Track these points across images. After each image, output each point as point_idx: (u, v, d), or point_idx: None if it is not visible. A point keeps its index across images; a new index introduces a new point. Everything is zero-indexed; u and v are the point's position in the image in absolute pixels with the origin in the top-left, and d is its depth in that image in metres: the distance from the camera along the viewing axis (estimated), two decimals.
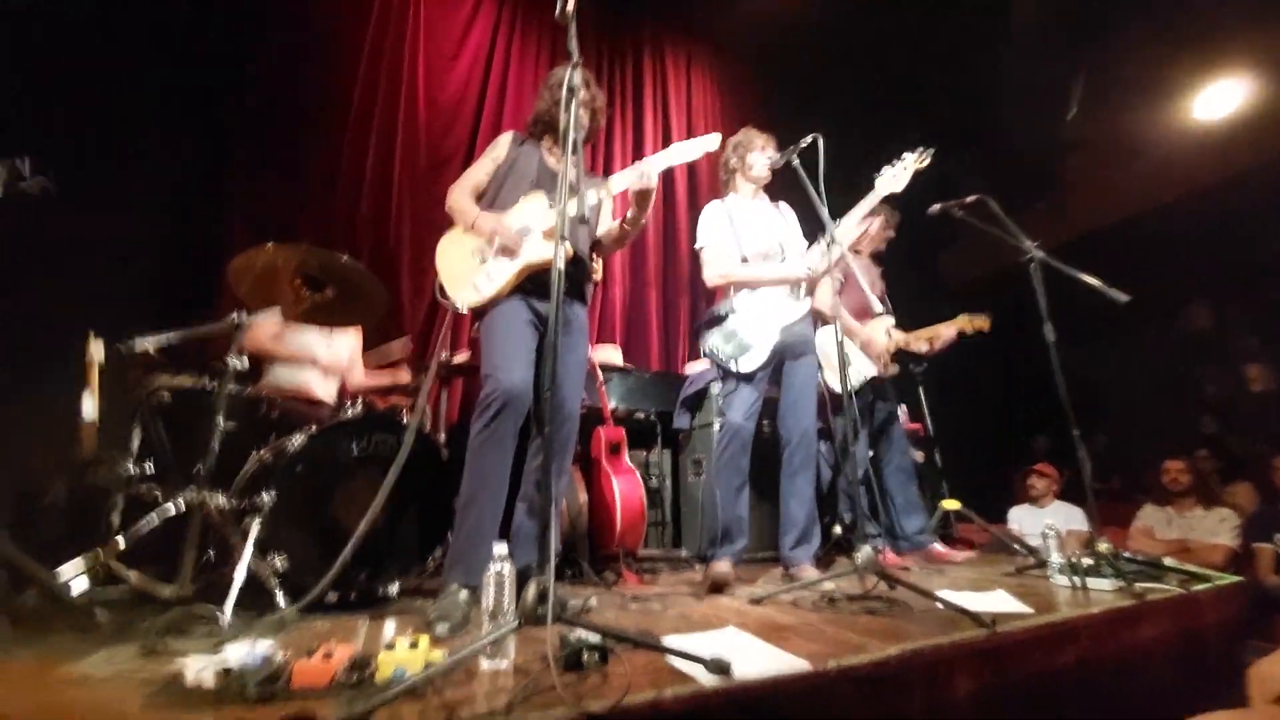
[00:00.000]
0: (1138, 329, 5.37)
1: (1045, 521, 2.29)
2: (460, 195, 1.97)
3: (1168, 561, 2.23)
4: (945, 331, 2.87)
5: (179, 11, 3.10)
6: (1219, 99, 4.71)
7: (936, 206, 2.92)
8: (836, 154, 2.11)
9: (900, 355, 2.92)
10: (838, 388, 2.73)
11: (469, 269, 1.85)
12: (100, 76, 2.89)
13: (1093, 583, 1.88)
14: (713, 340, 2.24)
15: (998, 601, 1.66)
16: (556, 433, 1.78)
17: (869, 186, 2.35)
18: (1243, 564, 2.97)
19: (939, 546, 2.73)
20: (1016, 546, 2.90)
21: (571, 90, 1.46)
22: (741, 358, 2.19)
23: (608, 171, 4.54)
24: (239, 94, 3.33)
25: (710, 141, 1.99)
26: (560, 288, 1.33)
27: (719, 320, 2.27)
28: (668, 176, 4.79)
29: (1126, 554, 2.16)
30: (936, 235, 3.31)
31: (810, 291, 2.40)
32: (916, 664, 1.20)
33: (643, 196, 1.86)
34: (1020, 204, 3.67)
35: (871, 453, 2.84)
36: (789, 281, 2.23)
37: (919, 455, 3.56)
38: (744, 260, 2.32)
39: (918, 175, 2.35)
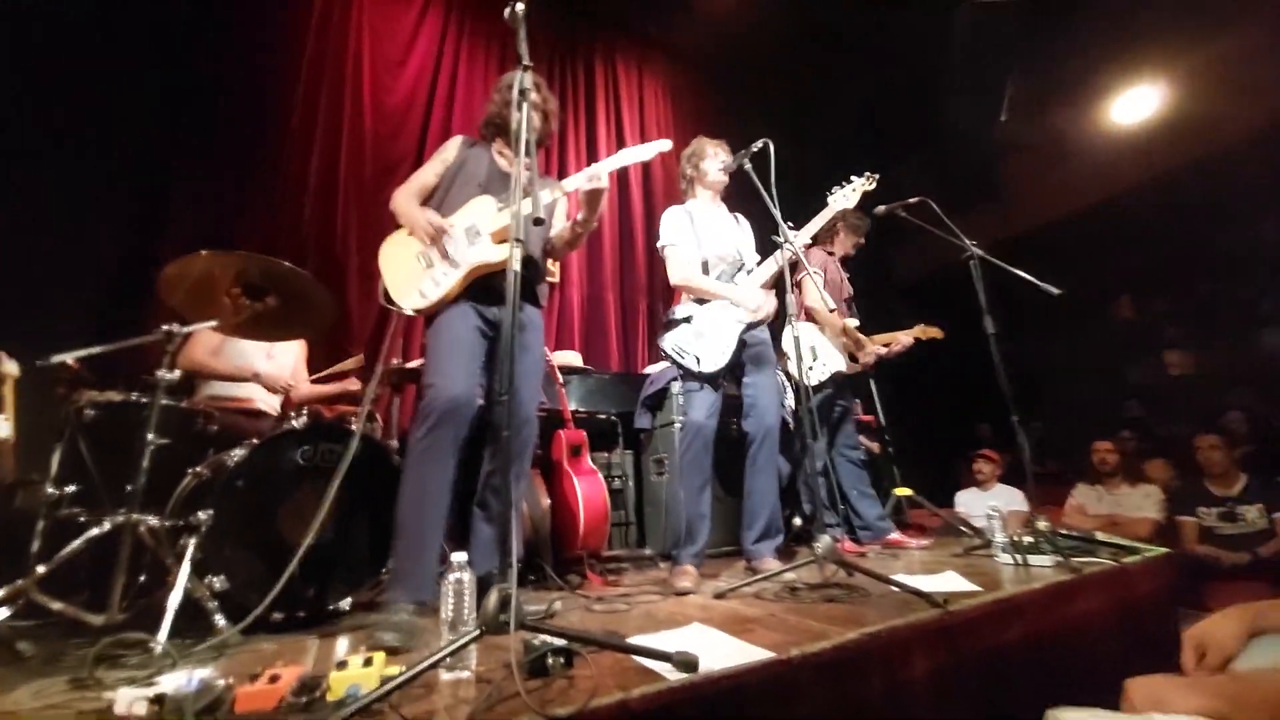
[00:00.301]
0: (1069, 321, 5.70)
1: (989, 504, 2.40)
2: (404, 198, 1.92)
3: (1100, 536, 2.38)
4: (902, 338, 2.99)
5: (116, 15, 2.94)
6: (1137, 104, 5.05)
7: (882, 208, 3.05)
8: (787, 159, 2.17)
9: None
10: (803, 380, 2.87)
11: (414, 272, 1.81)
12: (30, 79, 2.71)
13: (1034, 560, 1.98)
14: (675, 341, 2.26)
15: (949, 582, 1.72)
16: (514, 437, 1.75)
17: (822, 200, 2.49)
18: (1167, 535, 3.19)
19: (895, 534, 2.83)
20: (964, 529, 3.04)
21: (523, 92, 1.45)
22: (704, 358, 2.21)
23: (562, 176, 4.52)
24: (177, 98, 3.17)
25: (661, 144, 2.01)
26: (516, 289, 1.31)
27: (681, 321, 2.28)
28: (623, 182, 4.81)
29: (1063, 531, 2.28)
30: (887, 235, 3.43)
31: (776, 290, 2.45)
32: (875, 646, 1.23)
33: (594, 197, 1.85)
34: (963, 205, 3.86)
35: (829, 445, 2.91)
36: (738, 305, 2.26)
37: (874, 446, 3.69)
38: (704, 263, 2.34)
39: (866, 194, 2.53)
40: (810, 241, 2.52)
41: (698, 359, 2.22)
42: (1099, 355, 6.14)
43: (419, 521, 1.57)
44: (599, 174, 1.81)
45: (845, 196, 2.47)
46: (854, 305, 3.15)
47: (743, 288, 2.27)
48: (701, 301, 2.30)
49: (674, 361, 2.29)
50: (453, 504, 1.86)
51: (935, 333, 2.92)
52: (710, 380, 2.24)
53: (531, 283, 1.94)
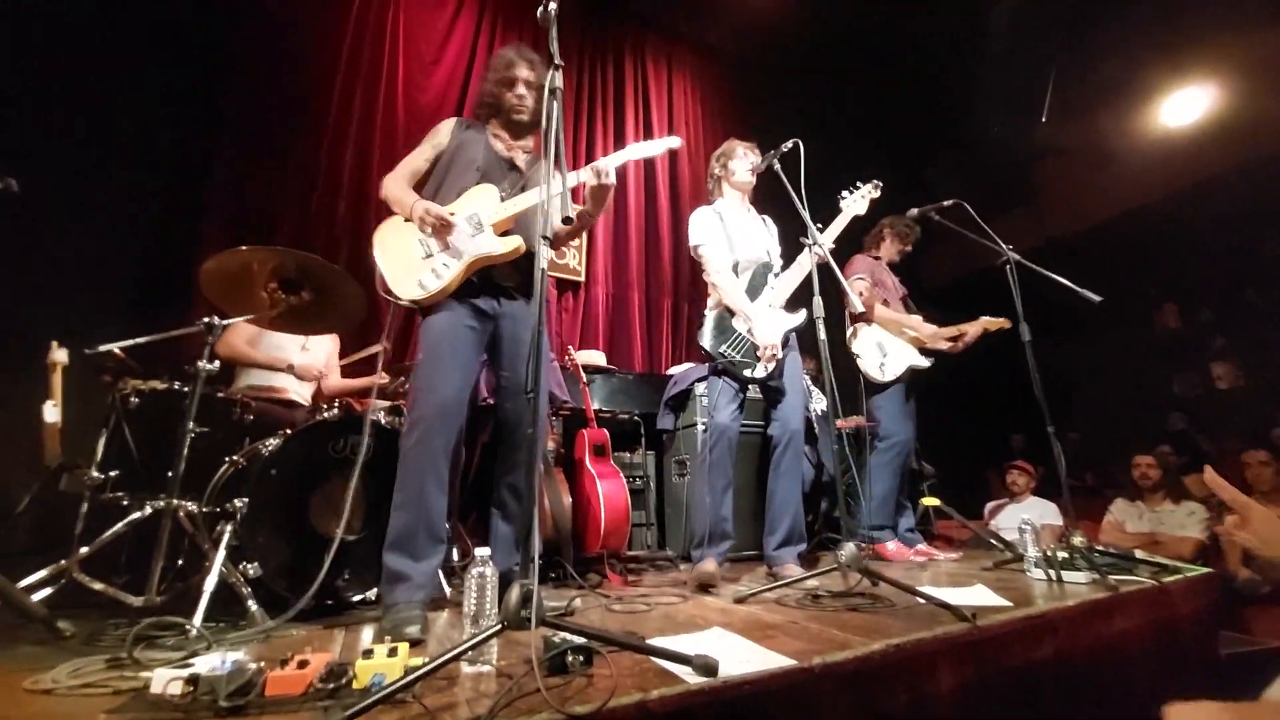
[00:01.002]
0: (1109, 330, 5.51)
1: (1021, 516, 2.33)
2: (396, 184, 1.83)
3: (1139, 554, 2.29)
4: (971, 330, 2.91)
5: (159, 12, 3.05)
6: (1185, 106, 4.85)
7: (914, 211, 2.99)
8: (817, 160, 2.15)
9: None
10: (877, 377, 2.88)
11: (413, 261, 1.72)
12: (75, 75, 2.84)
13: (1068, 576, 1.91)
14: (721, 346, 2.24)
15: (978, 596, 1.68)
16: (525, 436, 1.70)
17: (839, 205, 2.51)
18: (1210, 556, 3.05)
19: (922, 545, 2.78)
20: (994, 542, 2.95)
21: (553, 91, 1.45)
22: (754, 364, 2.21)
23: None
24: (217, 96, 3.28)
25: (670, 141, 1.94)
26: (543, 288, 1.31)
27: (729, 329, 2.26)
28: (650, 182, 4.81)
29: (1099, 547, 2.20)
30: (919, 238, 3.36)
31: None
32: (900, 659, 1.21)
33: (600, 193, 1.79)
34: (997, 209, 3.76)
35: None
36: (749, 322, 2.23)
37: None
38: (735, 264, 2.33)
39: (877, 200, 2.55)
40: (855, 247, 2.50)
41: (748, 364, 2.21)
42: (1141, 365, 5.92)
43: (416, 527, 1.52)
44: (607, 170, 1.75)
45: (855, 202, 2.48)
46: (910, 303, 3.11)
47: (763, 322, 2.23)
48: (751, 308, 2.28)
49: (722, 364, 2.23)
50: (473, 498, 1.87)
51: (1002, 323, 2.81)
52: (741, 383, 2.23)
53: (529, 271, 1.88)
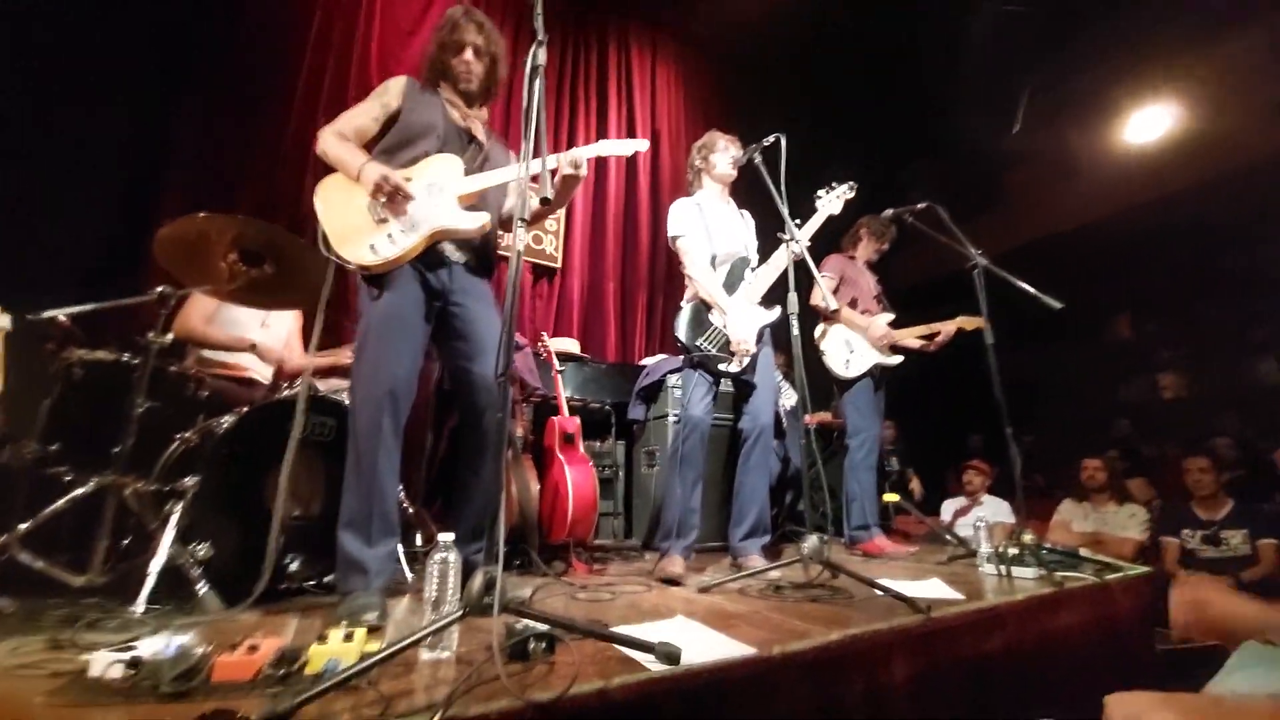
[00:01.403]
0: (1064, 337, 5.73)
1: (976, 514, 2.41)
2: (338, 142, 1.65)
3: (1083, 552, 2.39)
4: (946, 328, 2.94)
5: None
6: (1148, 123, 5.04)
7: (889, 212, 3.04)
8: (795, 155, 2.16)
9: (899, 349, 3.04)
10: (841, 372, 2.93)
11: (363, 224, 1.57)
12: (30, 29, 2.66)
13: (1017, 571, 1.99)
14: (697, 339, 2.23)
15: (932, 589, 1.73)
16: (484, 415, 1.66)
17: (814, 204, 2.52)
18: (1150, 556, 3.21)
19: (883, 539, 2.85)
20: (949, 537, 3.05)
21: (535, 68, 1.41)
22: (729, 358, 2.21)
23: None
24: (179, 56, 3.11)
25: (639, 144, 1.89)
26: (518, 272, 1.29)
27: (706, 322, 2.26)
28: (631, 173, 4.77)
29: (1047, 545, 2.30)
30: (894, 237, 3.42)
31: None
32: (858, 649, 1.24)
33: (572, 182, 1.72)
34: (968, 214, 3.84)
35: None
36: (725, 316, 2.24)
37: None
38: (713, 257, 2.33)
39: (852, 201, 2.57)
40: (830, 246, 2.52)
41: (726, 359, 2.21)
42: (1092, 372, 6.18)
43: (369, 512, 1.47)
44: (581, 161, 1.68)
45: (831, 202, 2.50)
46: (885, 302, 3.14)
47: (738, 321, 2.22)
48: (729, 302, 2.28)
49: (699, 357, 2.22)
50: (439, 483, 1.82)
51: (979, 322, 2.79)
52: (715, 377, 2.23)
53: (485, 254, 1.79)
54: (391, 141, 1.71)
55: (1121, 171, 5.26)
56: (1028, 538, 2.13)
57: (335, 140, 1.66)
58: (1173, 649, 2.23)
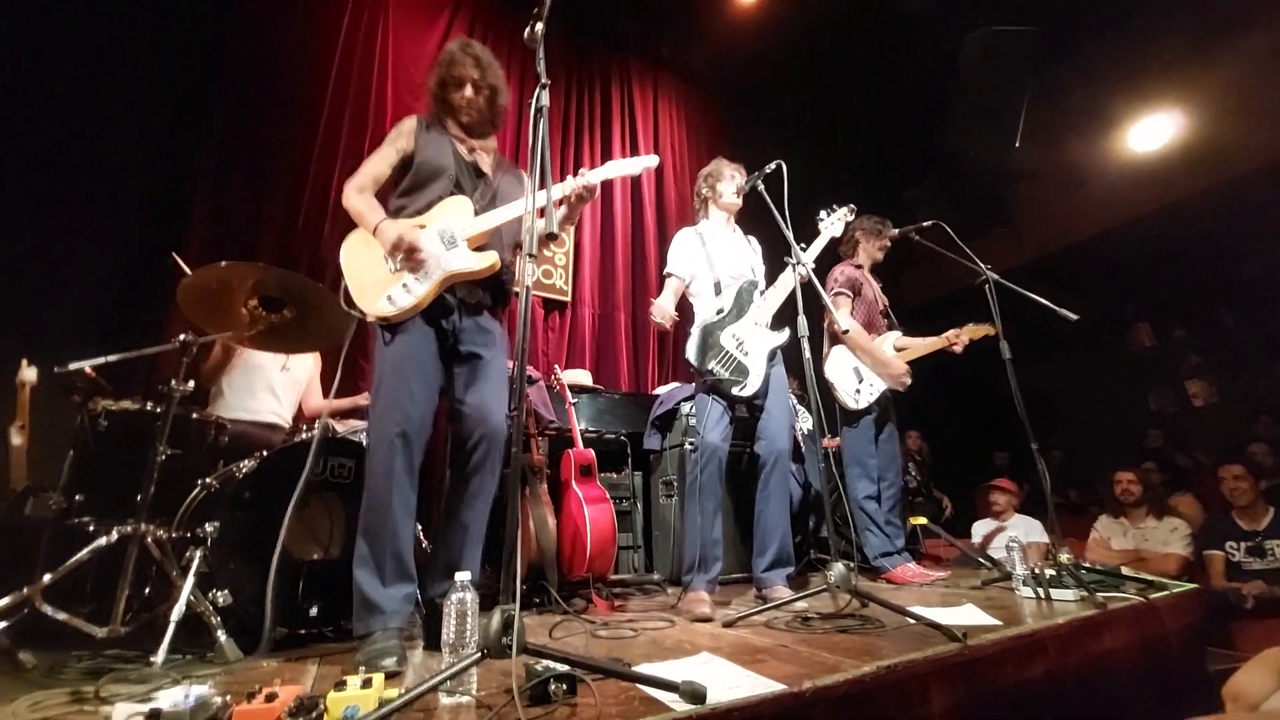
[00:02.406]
0: (1085, 349, 5.62)
1: (1009, 535, 2.33)
2: (359, 196, 1.72)
3: (1125, 571, 2.30)
4: (959, 337, 2.84)
5: (146, 24, 3.03)
6: (1152, 131, 5.04)
7: (895, 231, 3.04)
8: (799, 182, 2.19)
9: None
10: (852, 405, 2.83)
11: (381, 276, 1.63)
12: (56, 85, 2.81)
13: (1056, 594, 1.91)
14: (708, 362, 2.21)
15: (967, 615, 1.66)
16: (474, 454, 1.64)
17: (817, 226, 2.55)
18: (1195, 572, 3.07)
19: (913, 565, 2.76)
20: (982, 560, 2.95)
21: (540, 110, 1.45)
22: (743, 382, 2.19)
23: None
24: (202, 113, 3.26)
25: (649, 160, 1.90)
26: (527, 306, 1.31)
27: (716, 344, 2.24)
28: (637, 202, 4.86)
29: (1086, 564, 2.21)
30: (896, 257, 3.40)
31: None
32: (892, 681, 1.18)
33: (580, 205, 1.75)
34: (975, 231, 3.85)
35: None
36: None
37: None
38: (716, 283, 2.34)
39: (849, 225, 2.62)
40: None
41: (738, 382, 2.19)
42: (1117, 383, 6.04)
43: (384, 551, 1.46)
44: (592, 184, 1.71)
45: (833, 224, 2.51)
46: (891, 316, 3.05)
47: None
48: (739, 327, 2.28)
49: (711, 382, 2.19)
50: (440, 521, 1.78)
51: (987, 330, 2.71)
52: (729, 401, 2.21)
53: (499, 290, 1.80)
54: (407, 185, 1.76)
55: (1129, 181, 5.24)
56: (1065, 557, 2.05)
57: (356, 195, 1.72)
58: (1225, 669, 2.11)
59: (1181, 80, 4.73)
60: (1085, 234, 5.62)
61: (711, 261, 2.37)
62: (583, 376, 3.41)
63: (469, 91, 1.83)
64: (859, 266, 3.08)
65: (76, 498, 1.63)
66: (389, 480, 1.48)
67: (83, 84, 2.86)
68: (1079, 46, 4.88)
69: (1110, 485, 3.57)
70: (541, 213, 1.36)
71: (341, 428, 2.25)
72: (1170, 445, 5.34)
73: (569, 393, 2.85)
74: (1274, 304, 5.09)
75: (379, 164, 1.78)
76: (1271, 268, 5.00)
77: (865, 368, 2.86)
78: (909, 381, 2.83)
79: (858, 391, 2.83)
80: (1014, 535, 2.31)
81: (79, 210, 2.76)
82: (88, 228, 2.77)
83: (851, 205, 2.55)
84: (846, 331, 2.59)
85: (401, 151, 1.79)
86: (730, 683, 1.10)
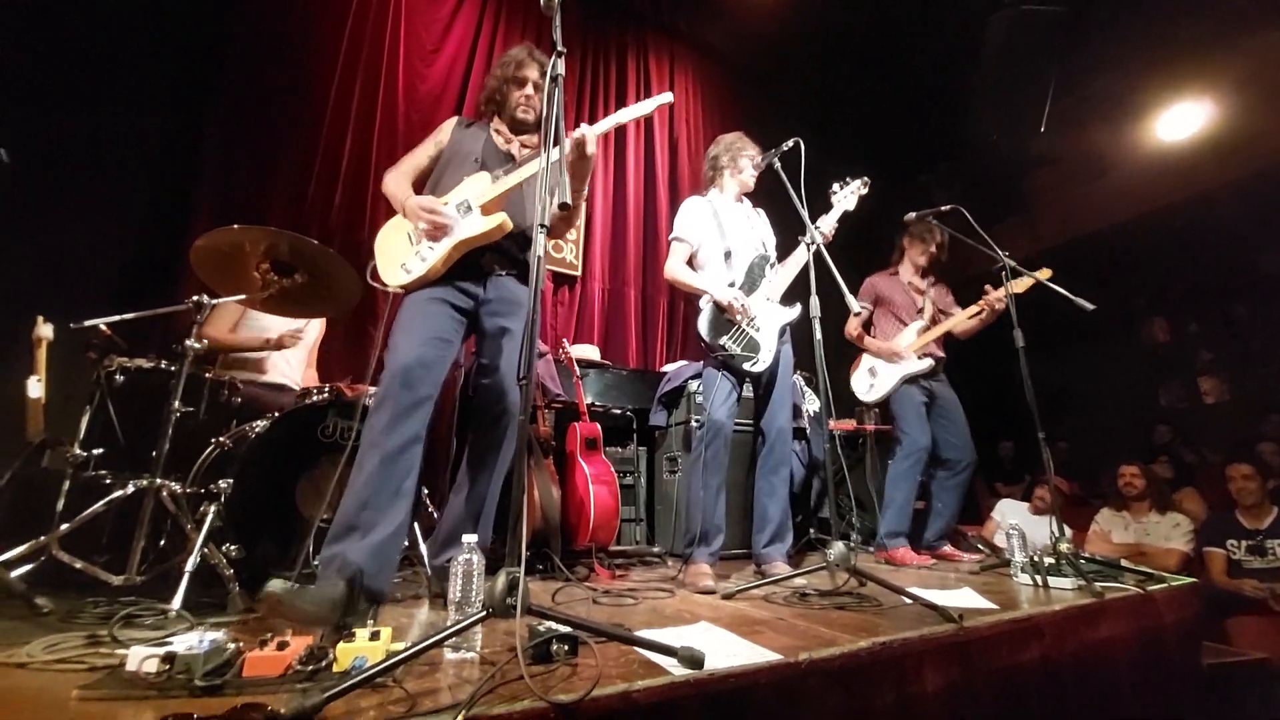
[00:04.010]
0: (1098, 340, 5.56)
1: (1009, 522, 2.33)
2: (395, 180, 1.87)
3: (1124, 563, 2.30)
4: (992, 298, 2.78)
5: None
6: (1181, 120, 4.89)
7: (912, 215, 2.99)
8: (814, 161, 2.15)
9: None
10: (865, 397, 2.98)
11: (402, 250, 1.75)
12: (69, 51, 2.79)
13: (1054, 581, 1.93)
14: (720, 338, 2.20)
15: (964, 598, 1.68)
16: (493, 425, 1.70)
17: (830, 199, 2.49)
18: (1195, 568, 3.08)
19: (947, 547, 2.81)
20: (981, 546, 2.97)
21: (555, 78, 1.43)
22: (755, 358, 2.19)
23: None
24: (216, 74, 3.23)
25: (663, 98, 1.82)
26: (539, 277, 1.30)
27: (729, 322, 2.23)
28: (650, 177, 4.79)
29: (1085, 555, 2.22)
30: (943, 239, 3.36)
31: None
32: (887, 657, 1.20)
33: (581, 166, 1.67)
34: (992, 217, 3.77)
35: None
36: (719, 301, 2.21)
37: None
38: (727, 252, 2.31)
39: (867, 198, 2.52)
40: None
41: (750, 357, 2.19)
42: (1129, 376, 5.98)
43: (371, 501, 1.41)
44: (588, 139, 1.62)
45: (846, 198, 2.46)
46: (936, 314, 3.02)
47: (721, 289, 2.24)
48: (752, 302, 2.26)
49: (723, 356, 2.18)
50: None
51: (1041, 274, 2.60)
52: (739, 378, 2.22)
53: (519, 257, 1.83)
54: (439, 174, 1.88)
55: (1152, 171, 5.11)
56: (1065, 547, 2.06)
57: (392, 179, 1.88)
58: (1220, 664, 2.13)
59: (1211, 68, 4.57)
60: (1103, 223, 5.50)
61: (723, 230, 2.34)
62: (591, 351, 3.41)
63: (530, 90, 1.93)
64: (893, 275, 3.13)
65: (94, 451, 1.66)
66: (377, 426, 1.47)
67: (98, 49, 2.84)
68: (1106, 29, 4.72)
69: (1114, 478, 3.56)
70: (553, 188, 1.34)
71: (350, 392, 2.27)
72: (1178, 441, 5.30)
73: (576, 367, 2.86)
74: None
75: (419, 156, 1.93)
76: None
77: (881, 364, 2.97)
78: (913, 360, 2.86)
79: (871, 387, 2.98)
80: (1014, 522, 2.31)
81: (92, 176, 2.76)
82: (101, 194, 2.78)
83: (866, 179, 2.50)
84: (859, 337, 2.63)
85: (439, 144, 1.93)
86: (728, 651, 1.12)
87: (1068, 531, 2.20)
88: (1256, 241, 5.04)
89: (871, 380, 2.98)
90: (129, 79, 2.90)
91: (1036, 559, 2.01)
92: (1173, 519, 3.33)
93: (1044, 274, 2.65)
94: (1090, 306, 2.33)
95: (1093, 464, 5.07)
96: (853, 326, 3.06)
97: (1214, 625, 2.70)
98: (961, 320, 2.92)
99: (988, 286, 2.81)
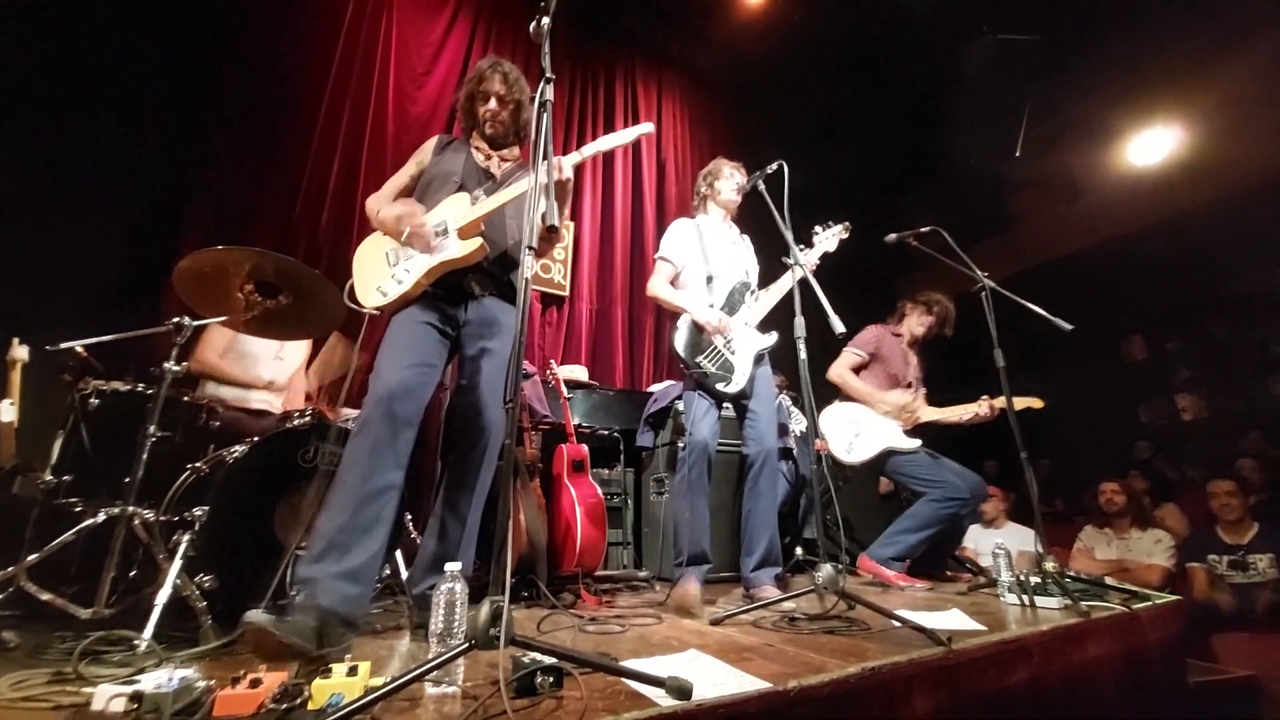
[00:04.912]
0: (1077, 359, 5.65)
1: (995, 541, 2.35)
2: (376, 200, 1.86)
3: (1109, 580, 2.32)
4: (981, 411, 2.78)
5: (148, 6, 3.01)
6: (1153, 145, 5.06)
7: (893, 236, 3.04)
8: (798, 184, 2.19)
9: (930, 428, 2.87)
10: (841, 456, 2.82)
11: (379, 271, 1.73)
12: (56, 69, 2.78)
13: (1041, 601, 1.93)
14: (696, 355, 2.22)
15: (953, 620, 1.67)
16: (471, 448, 1.67)
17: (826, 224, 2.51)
18: (1178, 584, 3.10)
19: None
20: (968, 566, 2.97)
21: (544, 104, 1.45)
22: (728, 379, 2.20)
23: (576, 191, 4.56)
24: (202, 97, 3.24)
25: (643, 128, 1.86)
26: (526, 296, 1.30)
27: (705, 341, 2.25)
28: (637, 198, 4.85)
29: (1071, 573, 2.22)
30: (894, 263, 3.41)
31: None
32: (875, 683, 1.19)
33: (558, 190, 1.62)
34: (971, 238, 3.86)
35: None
36: (697, 320, 2.23)
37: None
38: (709, 277, 2.33)
39: (847, 240, 2.53)
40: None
41: (725, 378, 2.20)
42: (1109, 394, 6.08)
43: (331, 528, 1.37)
44: (563, 165, 1.69)
45: (827, 239, 2.47)
46: (924, 386, 2.98)
47: (702, 308, 2.25)
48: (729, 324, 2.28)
49: (699, 377, 2.20)
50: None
51: (1032, 403, 2.63)
52: (716, 398, 2.22)
53: (503, 279, 1.82)
54: (419, 194, 1.85)
55: (1127, 193, 5.27)
56: (1050, 565, 2.07)
57: (374, 200, 1.87)
58: (1206, 681, 2.13)
59: (1183, 94, 4.75)
60: (1081, 245, 5.65)
61: (706, 255, 2.37)
62: (578, 372, 3.41)
63: (494, 105, 1.92)
64: (897, 334, 3.05)
65: (65, 478, 1.61)
66: (359, 448, 1.45)
67: (85, 66, 2.84)
68: (1081, 57, 4.90)
69: (1095, 495, 3.60)
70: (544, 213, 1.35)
71: (333, 416, 2.24)
72: (1158, 458, 5.38)
73: (564, 388, 2.85)
74: (1266, 320, 5.14)
75: (400, 178, 1.92)
76: (1265, 283, 5.05)
77: (867, 422, 2.83)
78: (920, 417, 2.80)
79: (850, 446, 2.82)
80: (1000, 542, 2.32)
81: (77, 194, 2.74)
82: (86, 212, 2.75)
83: (847, 224, 2.50)
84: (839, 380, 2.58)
85: (421, 165, 1.91)
86: (716, 680, 1.11)
87: (1035, 547, 2.19)
88: (1229, 262, 5.19)
89: (853, 439, 2.83)
90: (116, 96, 2.89)
91: (1023, 579, 2.01)
92: (1154, 535, 3.37)
93: (1037, 403, 2.65)
94: (1068, 327, 2.37)
95: (1075, 481, 5.13)
96: (843, 371, 2.88)
97: (1200, 642, 2.72)
98: (951, 416, 2.82)
99: (985, 397, 2.79)
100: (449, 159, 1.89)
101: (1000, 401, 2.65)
